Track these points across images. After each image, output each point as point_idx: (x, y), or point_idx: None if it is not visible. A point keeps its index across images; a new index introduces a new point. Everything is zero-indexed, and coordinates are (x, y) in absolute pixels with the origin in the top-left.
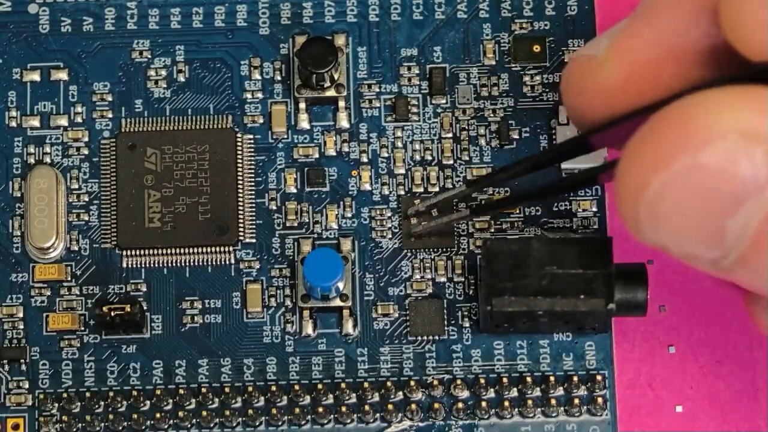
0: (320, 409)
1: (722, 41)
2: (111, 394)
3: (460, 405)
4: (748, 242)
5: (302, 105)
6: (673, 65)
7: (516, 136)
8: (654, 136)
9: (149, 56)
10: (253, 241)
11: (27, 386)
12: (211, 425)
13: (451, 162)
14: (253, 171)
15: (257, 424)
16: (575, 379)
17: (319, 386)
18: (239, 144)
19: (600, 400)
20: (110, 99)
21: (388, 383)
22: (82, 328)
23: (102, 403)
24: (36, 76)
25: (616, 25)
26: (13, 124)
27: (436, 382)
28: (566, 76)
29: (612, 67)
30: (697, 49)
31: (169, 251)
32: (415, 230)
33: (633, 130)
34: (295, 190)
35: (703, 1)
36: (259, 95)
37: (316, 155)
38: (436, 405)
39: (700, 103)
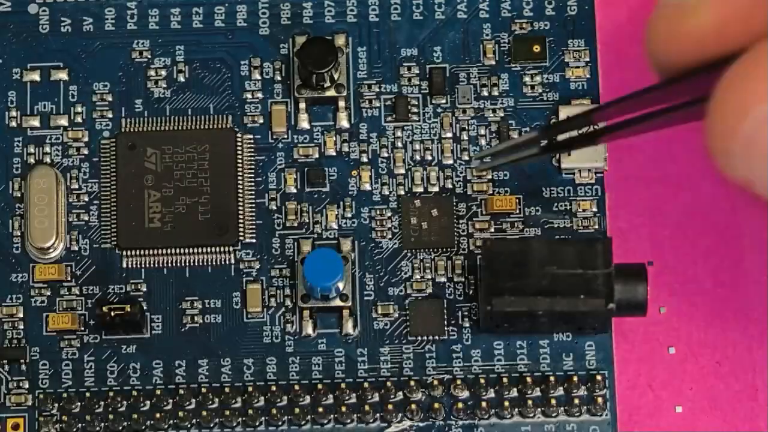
0: (320, 409)
1: None
2: (111, 394)
3: (460, 405)
4: None
5: (302, 105)
6: (764, 11)
7: (516, 136)
8: (753, 70)
9: (149, 56)
10: (253, 241)
11: (27, 386)
12: (211, 425)
13: (451, 162)
14: (253, 171)
15: (257, 424)
16: (575, 379)
17: (319, 386)
18: (239, 144)
19: (600, 400)
20: (110, 99)
21: (388, 383)
22: (82, 328)
23: (102, 403)
24: (36, 76)
25: None
26: (13, 124)
27: (436, 382)
28: (654, 21)
29: (705, 12)
30: None
31: (169, 251)
32: (481, 167)
33: (713, 82)
34: (295, 190)
35: None
36: (259, 95)
37: (316, 155)
38: (436, 405)
39: None
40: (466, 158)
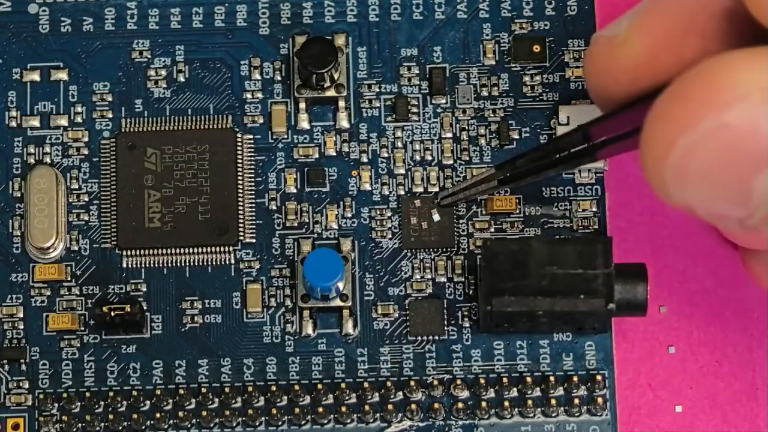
0: (320, 409)
1: (741, 12)
2: (111, 394)
3: (460, 405)
4: None
5: (302, 105)
6: (694, 39)
7: (516, 136)
8: (678, 98)
9: (149, 56)
10: (253, 241)
11: (27, 386)
12: (211, 425)
13: (451, 162)
14: (253, 171)
15: (257, 424)
16: (575, 379)
17: (319, 386)
18: (239, 144)
19: (600, 400)
20: (110, 99)
21: (388, 383)
22: (82, 328)
23: (102, 403)
24: (36, 76)
25: (635, 7)
26: (13, 124)
27: (436, 382)
28: (589, 57)
29: (633, 46)
30: (717, 21)
31: (169, 251)
32: (444, 199)
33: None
34: (295, 190)
35: None
36: (259, 95)
37: (316, 155)
38: (436, 405)
39: (722, 64)
40: (466, 158)
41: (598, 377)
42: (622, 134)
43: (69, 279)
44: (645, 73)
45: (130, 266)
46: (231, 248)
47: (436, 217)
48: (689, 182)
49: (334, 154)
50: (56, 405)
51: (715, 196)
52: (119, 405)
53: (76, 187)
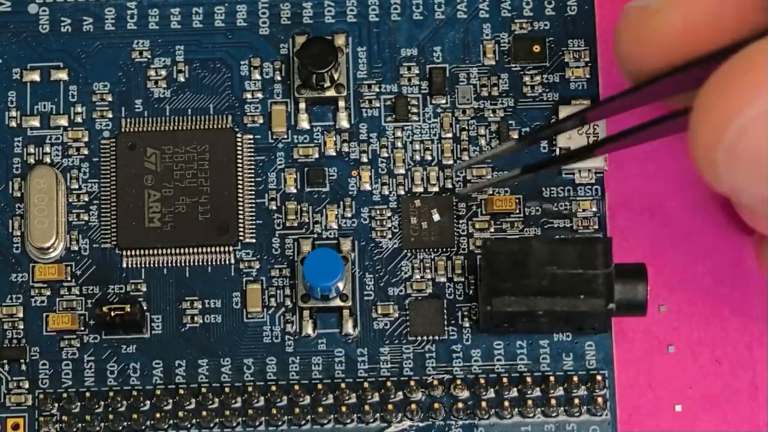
0: (320, 409)
1: None
2: (111, 394)
3: (460, 405)
4: None
5: (302, 105)
6: (732, 11)
7: (516, 136)
8: (732, 80)
9: (149, 56)
10: (253, 241)
11: (27, 386)
12: (211, 425)
13: (451, 162)
14: (253, 171)
15: (257, 424)
16: (575, 379)
17: (319, 386)
18: (239, 144)
19: (600, 400)
20: (110, 99)
21: (388, 383)
22: (82, 328)
23: (102, 403)
24: (36, 76)
25: None
26: (13, 124)
27: (436, 382)
28: (621, 28)
29: (670, 16)
30: None
31: (169, 251)
32: (463, 191)
33: (688, 82)
34: (295, 190)
35: None
36: (259, 95)
37: (316, 155)
38: (436, 405)
39: None
40: (466, 158)
41: (598, 377)
42: (665, 116)
43: (69, 279)
44: (681, 45)
45: (130, 266)
46: (231, 248)
47: (436, 217)
48: (742, 164)
49: (334, 154)
50: (56, 405)
51: (766, 178)
52: (119, 405)
53: (76, 187)
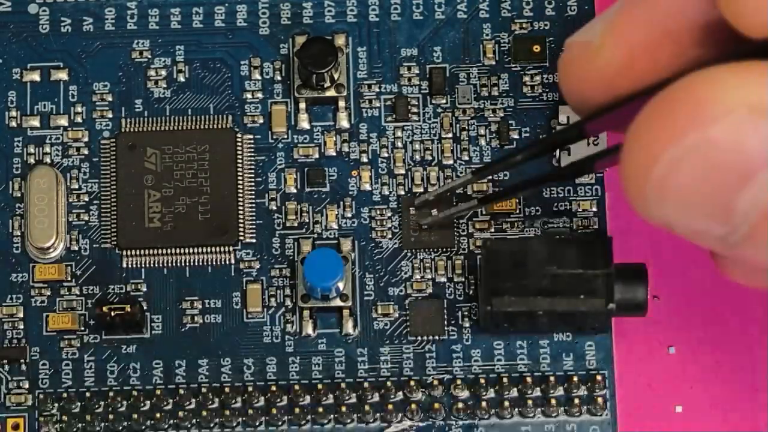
0: (320, 409)
1: (718, 19)
2: (111, 394)
3: (460, 405)
4: (756, 217)
5: (302, 105)
6: (670, 46)
7: (516, 136)
8: (662, 113)
9: (149, 56)
10: (253, 241)
11: (27, 386)
12: (211, 425)
13: (451, 162)
14: (253, 171)
15: (257, 424)
16: (575, 379)
17: (319, 386)
18: (239, 144)
19: (600, 400)
20: (110, 99)
21: (388, 383)
22: (82, 328)
23: (102, 403)
24: (36, 76)
25: (609, 9)
26: (13, 124)
27: (436, 382)
28: (563, 64)
29: (609, 52)
30: (693, 28)
31: (169, 251)
32: (423, 222)
33: (634, 113)
34: (295, 190)
35: None
36: (259, 95)
37: (316, 155)
38: (436, 405)
39: (706, 79)
40: (466, 158)
41: (598, 377)
42: (602, 151)
43: (69, 279)
44: (621, 80)
45: (130, 266)
46: (231, 248)
47: (434, 211)
48: (671, 198)
49: (334, 154)
50: (56, 405)
51: (697, 212)
52: (119, 405)
53: (76, 187)
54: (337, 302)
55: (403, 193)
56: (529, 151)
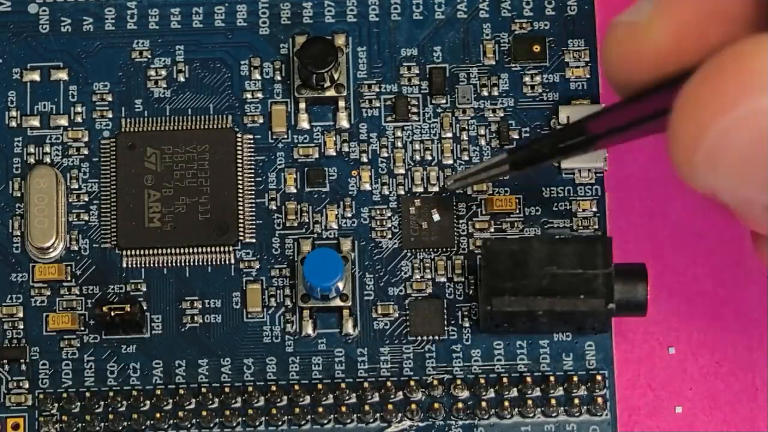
0: (320, 409)
1: None
2: (111, 394)
3: (460, 405)
4: None
5: (302, 105)
6: (720, 23)
7: (516, 136)
8: (712, 82)
9: (149, 56)
10: (253, 241)
11: (27, 386)
12: (211, 425)
13: (451, 162)
14: (253, 171)
15: (257, 424)
16: (575, 379)
17: (319, 386)
18: (239, 144)
19: (600, 400)
20: (110, 99)
21: (388, 383)
22: (82, 328)
23: (102, 403)
24: (36, 76)
25: None
26: (13, 124)
27: (436, 382)
28: (608, 44)
29: (659, 30)
30: (743, 5)
31: (169, 251)
32: (452, 185)
33: (671, 99)
34: (295, 190)
35: None
36: (259, 95)
37: (316, 155)
38: (436, 405)
39: (755, 47)
40: (466, 158)
41: (598, 377)
42: (644, 117)
43: (69, 279)
44: (669, 60)
45: (130, 266)
46: (231, 248)
47: (436, 217)
48: (721, 167)
49: (334, 154)
50: (56, 405)
51: (746, 181)
52: (119, 405)
53: (76, 187)
54: (337, 302)
55: (403, 193)
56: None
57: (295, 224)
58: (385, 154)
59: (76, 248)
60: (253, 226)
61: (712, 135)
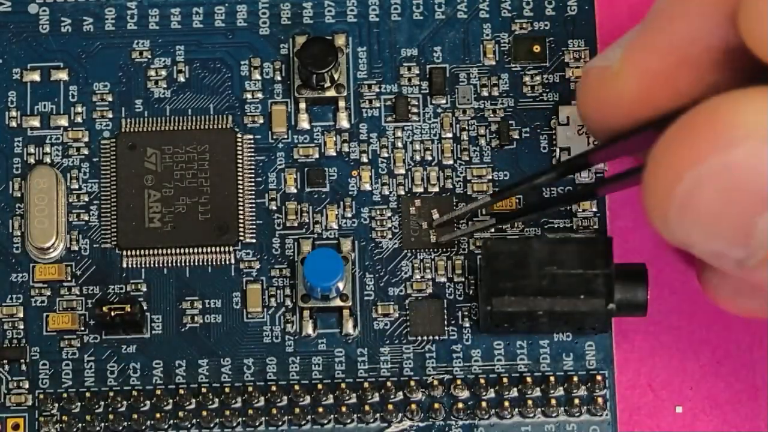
0: (320, 409)
1: (737, 44)
2: (111, 394)
3: (460, 405)
4: None
5: (302, 105)
6: (689, 72)
7: (516, 136)
8: (684, 136)
9: (149, 56)
10: (253, 241)
11: (27, 386)
12: (211, 425)
13: (451, 162)
14: (253, 171)
15: (257, 424)
16: (575, 379)
17: (319, 386)
18: (239, 144)
19: (600, 400)
20: (110, 99)
21: (388, 383)
22: (82, 328)
23: (102, 403)
24: (36, 76)
25: (628, 34)
26: (13, 124)
27: (436, 382)
28: (582, 89)
29: (627, 78)
30: (712, 53)
31: (169, 251)
32: (442, 239)
33: (651, 138)
34: (295, 190)
35: (717, 7)
36: (259, 95)
37: (316, 155)
38: (436, 405)
39: (726, 103)
40: (466, 158)
41: (598, 377)
42: (623, 173)
43: (69, 279)
44: (640, 106)
45: (130, 266)
46: (231, 248)
47: (436, 217)
48: (692, 219)
49: (334, 154)
50: (56, 405)
51: (717, 234)
52: (119, 405)
53: (76, 187)
54: (337, 302)
55: (403, 193)
56: (546, 176)
57: (296, 224)
58: (386, 155)
59: (76, 248)
60: (254, 226)
61: (684, 186)
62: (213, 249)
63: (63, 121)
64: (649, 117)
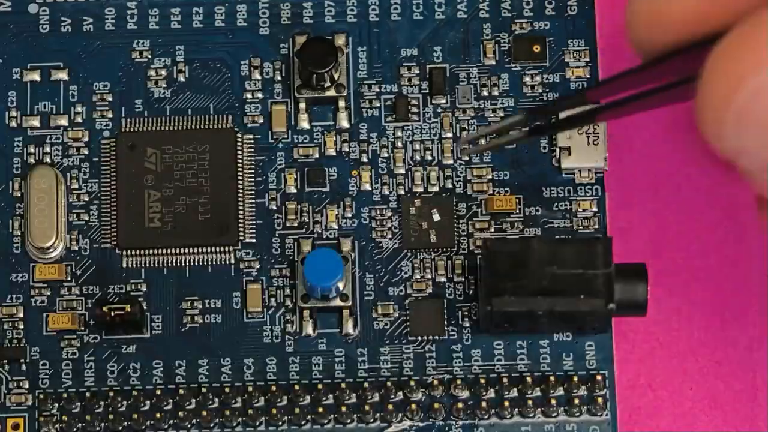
0: (320, 409)
1: None
2: (111, 394)
3: (460, 405)
4: None
5: (302, 105)
6: None
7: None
8: (747, 40)
9: (149, 56)
10: (253, 241)
11: (27, 386)
12: (211, 425)
13: (451, 162)
14: (253, 171)
15: (257, 424)
16: (575, 379)
17: (319, 386)
18: (239, 144)
19: (600, 400)
20: (110, 99)
21: (388, 383)
22: (82, 328)
23: (102, 403)
24: (36, 76)
25: None
26: (13, 124)
27: (436, 382)
28: (635, 6)
29: None
30: None
31: (169, 251)
32: (468, 151)
33: (699, 58)
34: (295, 190)
35: None
36: (259, 95)
37: (316, 155)
38: (436, 405)
39: None
40: (466, 158)
41: (598, 377)
42: (670, 83)
43: (69, 279)
44: (696, 24)
45: (130, 266)
46: (231, 248)
47: (436, 217)
48: (751, 126)
49: (334, 154)
50: (56, 405)
51: None
52: (119, 405)
53: (76, 187)
54: (337, 302)
55: (403, 193)
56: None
57: (295, 224)
58: (385, 154)
59: (76, 248)
60: (253, 226)
61: (743, 94)
62: (213, 249)
63: (63, 121)
64: (704, 35)
